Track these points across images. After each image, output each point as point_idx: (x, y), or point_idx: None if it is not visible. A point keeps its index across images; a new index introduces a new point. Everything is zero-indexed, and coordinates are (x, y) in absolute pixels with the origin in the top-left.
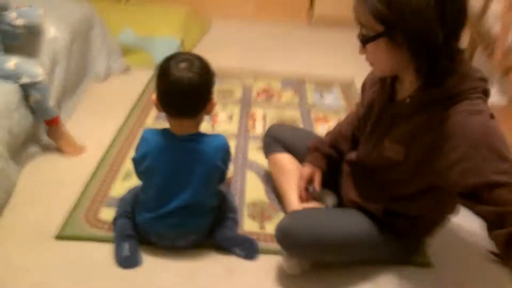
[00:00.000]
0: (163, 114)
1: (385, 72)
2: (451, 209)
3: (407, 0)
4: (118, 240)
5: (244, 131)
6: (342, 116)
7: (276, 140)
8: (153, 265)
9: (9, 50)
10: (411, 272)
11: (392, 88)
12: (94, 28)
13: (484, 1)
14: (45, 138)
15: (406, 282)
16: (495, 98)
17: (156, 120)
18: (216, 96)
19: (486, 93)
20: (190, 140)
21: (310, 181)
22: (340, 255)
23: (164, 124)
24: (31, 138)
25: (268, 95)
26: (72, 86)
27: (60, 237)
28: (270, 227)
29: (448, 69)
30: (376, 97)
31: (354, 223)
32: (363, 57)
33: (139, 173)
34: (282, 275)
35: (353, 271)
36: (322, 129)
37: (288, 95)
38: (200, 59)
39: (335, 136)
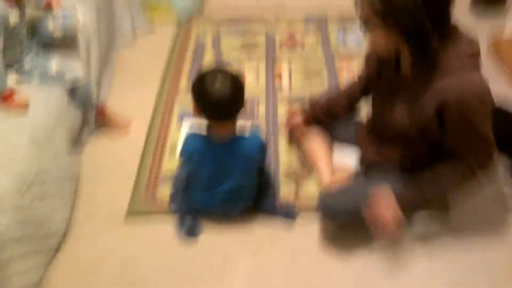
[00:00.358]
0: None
1: (385, 52)
2: None
3: None
4: (180, 215)
5: (272, 93)
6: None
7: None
8: (212, 233)
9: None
10: (430, 216)
11: (396, 61)
12: None
13: None
14: (95, 123)
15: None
16: None
17: (188, 83)
18: (240, 52)
19: (476, 67)
20: (229, 144)
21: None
22: None
23: None
24: (83, 126)
25: (292, 43)
26: (105, 59)
27: (130, 216)
28: (304, 190)
29: (437, 50)
30: (383, 69)
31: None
32: None
33: (190, 168)
34: (319, 233)
35: None
36: (346, 80)
37: (311, 42)
38: (227, 71)
39: (331, 103)
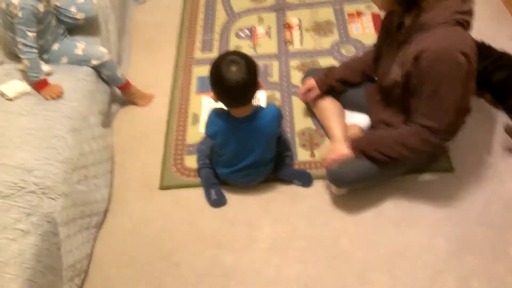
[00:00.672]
0: (208, 46)
1: (382, 7)
2: (460, 110)
3: None
4: (206, 188)
5: (284, 48)
6: (374, 8)
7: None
8: (236, 202)
9: (71, 31)
10: (436, 178)
11: (400, 19)
12: None
13: None
14: (120, 97)
15: (433, 187)
16: None
17: (203, 51)
18: (249, 2)
19: (461, 24)
20: (249, 120)
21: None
22: (381, 180)
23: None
24: (111, 100)
25: None
26: (122, 29)
27: (162, 186)
28: (319, 154)
29: (427, 6)
30: (388, 32)
31: None
32: None
33: (214, 143)
34: (333, 196)
35: (386, 183)
36: (355, 29)
37: None
38: (241, 55)
39: (345, 72)
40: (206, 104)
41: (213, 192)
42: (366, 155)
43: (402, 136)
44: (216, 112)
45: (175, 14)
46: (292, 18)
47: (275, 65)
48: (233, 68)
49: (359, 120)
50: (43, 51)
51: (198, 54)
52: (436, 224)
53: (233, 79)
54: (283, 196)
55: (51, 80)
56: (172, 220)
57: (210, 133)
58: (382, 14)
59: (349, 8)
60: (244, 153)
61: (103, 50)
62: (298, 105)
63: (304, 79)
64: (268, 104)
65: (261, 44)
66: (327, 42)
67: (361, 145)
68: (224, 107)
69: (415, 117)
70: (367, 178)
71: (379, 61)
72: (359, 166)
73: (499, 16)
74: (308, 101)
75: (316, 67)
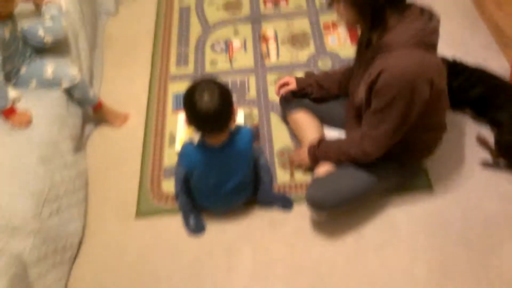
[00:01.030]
0: (183, 60)
1: (349, 25)
2: (433, 128)
3: None
4: (184, 214)
5: (260, 62)
6: None
7: (291, 100)
8: (215, 228)
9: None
10: (415, 197)
11: (367, 36)
12: None
13: None
14: (94, 117)
15: (413, 207)
16: None
17: (178, 66)
18: (224, 12)
19: (424, 45)
20: (227, 146)
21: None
22: (359, 200)
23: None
24: (84, 122)
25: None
26: (93, 44)
27: (139, 213)
28: (299, 175)
29: (387, 25)
30: (359, 44)
31: (365, 172)
32: None
33: (190, 179)
34: (313, 220)
35: (367, 206)
36: (331, 40)
37: None
38: (215, 82)
39: (325, 78)
40: (182, 120)
41: (191, 219)
42: (318, 160)
43: (346, 146)
44: (190, 146)
45: (148, 26)
46: (268, 29)
47: (252, 80)
48: (206, 97)
49: (336, 136)
50: (10, 77)
51: (173, 69)
52: (417, 248)
53: (206, 108)
54: (263, 221)
55: (19, 106)
56: (150, 249)
57: (187, 169)
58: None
59: (325, 19)
60: (226, 180)
61: (73, 71)
62: (277, 123)
63: (287, 113)
64: (241, 126)
65: (237, 58)
66: (303, 55)
67: (313, 150)
68: (196, 136)
69: (362, 127)
70: (346, 202)
71: (351, 78)
72: (338, 190)
73: (471, 23)
74: (282, 93)
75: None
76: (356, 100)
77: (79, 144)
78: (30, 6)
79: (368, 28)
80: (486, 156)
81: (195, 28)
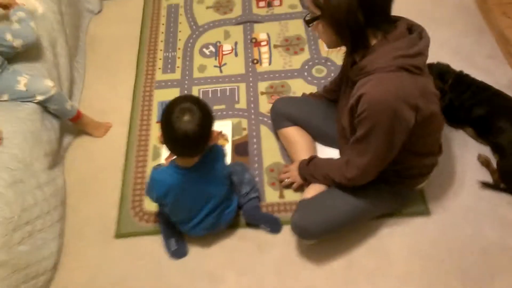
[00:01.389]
0: (170, 65)
1: (329, 45)
2: (425, 153)
3: None
4: (165, 237)
5: (251, 68)
6: None
7: (282, 115)
8: (198, 251)
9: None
10: (410, 221)
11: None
12: None
13: None
14: (73, 127)
15: (407, 232)
16: None
17: (164, 72)
18: (214, 13)
19: (406, 69)
20: (200, 166)
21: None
22: (349, 226)
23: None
24: (62, 133)
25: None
26: (75, 47)
27: (119, 236)
28: (288, 195)
29: (367, 48)
30: (345, 64)
31: (355, 197)
32: None
33: (165, 206)
34: (303, 244)
35: (358, 229)
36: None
37: None
38: (199, 103)
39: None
40: None
41: (172, 241)
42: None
43: (332, 170)
44: (158, 171)
45: (134, 26)
46: (260, 32)
47: (242, 88)
48: (186, 118)
49: (330, 155)
50: None
51: (159, 75)
52: (411, 276)
53: (183, 130)
54: (249, 244)
55: None
56: (129, 273)
57: (159, 195)
58: None
59: None
60: (202, 202)
61: (48, 83)
62: (267, 137)
63: (277, 128)
64: (213, 145)
65: (227, 63)
66: (297, 61)
67: (302, 168)
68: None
69: (347, 151)
70: (334, 229)
71: (340, 96)
72: (325, 218)
73: (476, 31)
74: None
75: (285, 89)
76: (343, 122)
77: (56, 158)
78: None
79: (348, 49)
80: (487, 176)
81: (184, 29)
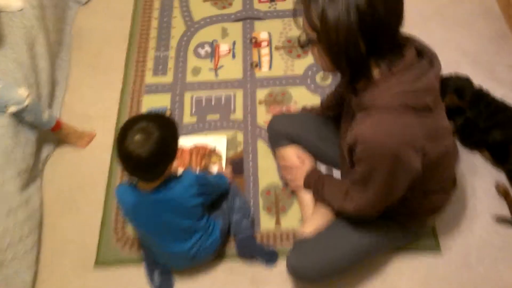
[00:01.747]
0: (162, 67)
1: (326, 70)
2: (436, 191)
3: (332, 13)
4: (148, 268)
5: (250, 72)
6: None
7: (280, 134)
8: (185, 286)
9: None
10: (419, 258)
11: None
12: None
13: None
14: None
15: (416, 270)
16: None
17: (155, 74)
18: (212, 7)
19: (411, 108)
20: (158, 191)
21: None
22: (351, 268)
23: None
24: (40, 144)
25: None
26: (59, 38)
27: (99, 264)
28: (285, 222)
29: (369, 79)
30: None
31: (360, 236)
32: None
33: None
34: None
35: (363, 263)
36: None
37: None
38: (159, 123)
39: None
40: None
41: (156, 274)
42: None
43: (332, 194)
44: (121, 189)
45: (125, 19)
46: (261, 31)
47: (238, 96)
48: (139, 139)
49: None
50: None
51: (149, 77)
52: None
53: (134, 153)
54: (241, 279)
55: None
56: None
57: (124, 214)
58: None
59: None
60: (158, 231)
61: (23, 92)
62: (265, 154)
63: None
64: (185, 170)
65: (223, 66)
66: (300, 65)
67: (311, 177)
68: None
69: (347, 181)
70: (336, 273)
71: (342, 117)
72: (326, 261)
73: (499, 37)
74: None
75: (286, 98)
76: (343, 148)
77: (33, 174)
78: None
79: (346, 79)
80: (504, 206)
81: (178, 25)
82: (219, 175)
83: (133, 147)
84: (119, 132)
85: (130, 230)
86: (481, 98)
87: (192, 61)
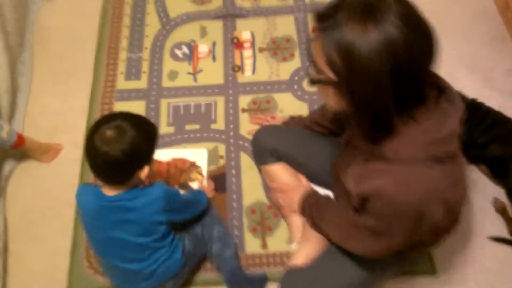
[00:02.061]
0: (135, 70)
1: (335, 110)
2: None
3: (361, 58)
4: None
5: (232, 77)
6: None
7: (265, 150)
8: None
9: None
10: (413, 282)
11: None
12: None
13: None
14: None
15: None
16: None
17: (128, 79)
18: (190, 3)
19: (438, 159)
20: (120, 201)
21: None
22: None
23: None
24: (1, 159)
25: None
26: (20, 40)
27: None
28: (272, 244)
29: (390, 130)
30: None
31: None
32: None
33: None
34: None
35: None
36: None
37: None
38: (136, 125)
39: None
40: None
41: None
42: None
43: (340, 234)
44: (83, 189)
45: (93, 17)
46: (243, 30)
47: (220, 103)
48: (111, 135)
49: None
50: None
51: (121, 82)
52: None
53: (102, 150)
54: None
55: None
56: None
57: (82, 219)
58: None
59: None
60: (108, 245)
61: None
62: (249, 168)
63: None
64: (156, 184)
65: (203, 70)
66: (286, 69)
67: (306, 202)
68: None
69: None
70: None
71: (342, 149)
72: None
73: (497, 41)
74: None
75: (271, 106)
76: (346, 185)
77: None
78: None
79: (363, 131)
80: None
81: (152, 23)
82: (198, 192)
83: (101, 143)
84: (91, 126)
85: None
86: (476, 110)
87: (169, 64)
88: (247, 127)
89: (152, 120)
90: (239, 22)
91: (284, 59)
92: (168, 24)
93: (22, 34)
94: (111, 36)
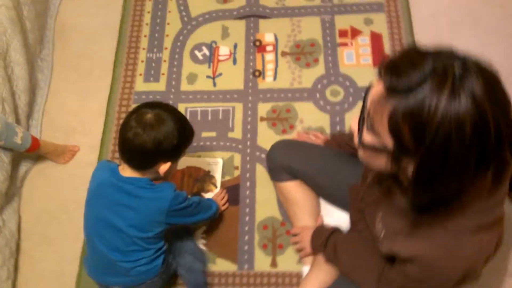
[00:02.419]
0: (154, 72)
1: (377, 170)
2: None
3: (443, 141)
4: None
5: (252, 82)
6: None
7: (280, 166)
8: None
9: None
10: None
11: None
12: None
13: None
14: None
15: None
16: None
17: (146, 80)
18: (209, 2)
19: (485, 225)
20: (131, 183)
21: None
22: None
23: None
24: (18, 161)
25: None
26: (40, 37)
27: None
28: (283, 263)
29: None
30: None
31: None
32: None
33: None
34: None
35: None
36: (347, 57)
37: None
38: (176, 122)
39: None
40: None
41: None
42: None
43: (355, 270)
44: (101, 163)
45: (114, 13)
46: (266, 32)
47: (238, 110)
48: (149, 119)
49: (340, 220)
50: None
51: (139, 83)
52: None
53: (135, 130)
54: None
55: None
56: None
57: (88, 190)
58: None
59: (341, 22)
60: (99, 226)
61: None
62: (263, 181)
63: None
64: (167, 182)
65: (223, 73)
66: (309, 76)
67: (315, 242)
68: None
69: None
70: None
71: (370, 182)
72: None
73: None
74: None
75: (291, 115)
76: (370, 223)
77: (10, 192)
78: None
79: (412, 201)
80: None
81: (173, 21)
82: (209, 202)
83: (137, 123)
84: (130, 112)
85: None
86: None
87: (188, 66)
88: (265, 137)
89: None
90: (262, 23)
91: (308, 65)
92: (189, 23)
93: (42, 30)
94: (132, 34)
